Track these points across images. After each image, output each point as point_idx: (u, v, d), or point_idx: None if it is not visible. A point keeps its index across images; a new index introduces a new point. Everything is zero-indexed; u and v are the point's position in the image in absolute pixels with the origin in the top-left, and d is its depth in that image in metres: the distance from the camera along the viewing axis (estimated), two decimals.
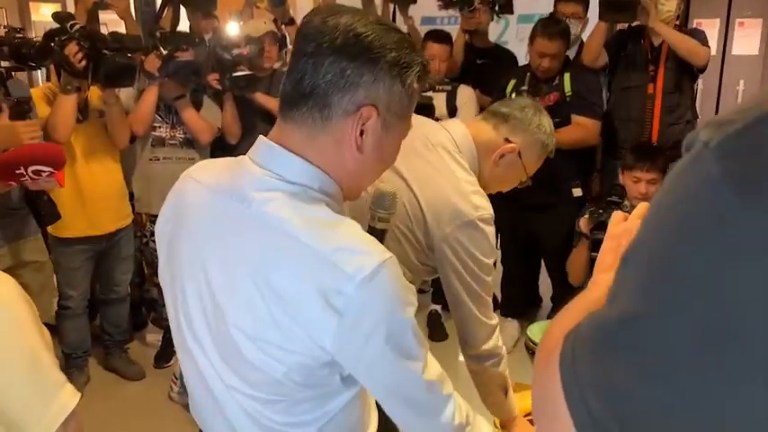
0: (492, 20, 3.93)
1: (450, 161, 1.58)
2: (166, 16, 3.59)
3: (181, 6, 3.72)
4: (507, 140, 1.66)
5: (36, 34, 5.94)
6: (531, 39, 3.40)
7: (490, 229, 1.57)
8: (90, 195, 2.99)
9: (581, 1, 3.65)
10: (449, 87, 3.56)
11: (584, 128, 3.35)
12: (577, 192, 3.44)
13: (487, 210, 1.56)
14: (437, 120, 3.39)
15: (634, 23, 3.53)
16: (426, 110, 3.36)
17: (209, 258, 1.04)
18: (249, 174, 1.02)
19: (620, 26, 3.79)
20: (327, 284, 0.92)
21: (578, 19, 3.60)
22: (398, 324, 0.97)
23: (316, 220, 0.97)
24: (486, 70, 3.84)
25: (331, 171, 1.01)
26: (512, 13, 4.02)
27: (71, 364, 3.14)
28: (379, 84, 0.97)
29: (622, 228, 0.85)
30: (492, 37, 4.23)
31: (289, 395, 1.02)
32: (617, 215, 0.87)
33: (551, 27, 3.35)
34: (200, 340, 1.09)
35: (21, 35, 2.48)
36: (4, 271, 1.23)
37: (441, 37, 3.62)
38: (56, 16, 2.87)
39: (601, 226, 2.87)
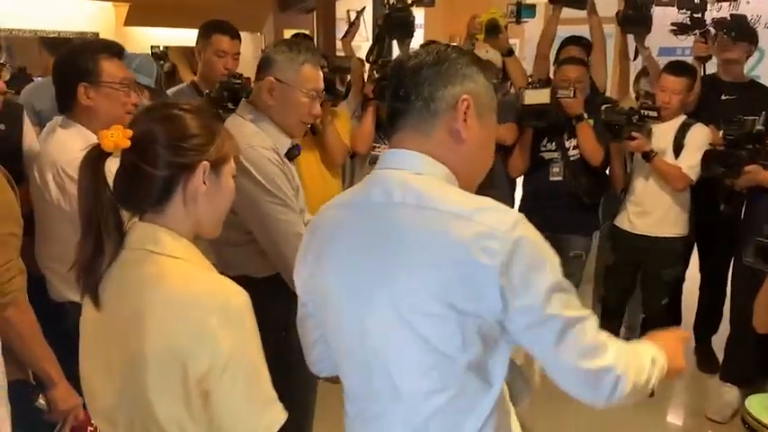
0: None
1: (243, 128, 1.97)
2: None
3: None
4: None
5: None
6: None
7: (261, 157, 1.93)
8: (308, 206, 3.21)
9: None
10: (655, 115, 3.25)
11: None
12: None
13: (258, 143, 1.94)
14: (651, 152, 3.21)
15: None
16: (616, 131, 3.22)
17: (363, 262, 1.15)
18: (382, 177, 1.19)
19: None
20: (475, 238, 1.05)
21: None
22: (550, 268, 1.07)
23: (448, 192, 1.13)
24: (731, 107, 3.46)
25: (448, 161, 1.17)
26: (750, 41, 3.56)
27: None
28: (468, 78, 1.17)
29: None
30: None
31: (454, 379, 1.12)
32: None
33: None
34: (373, 355, 1.17)
35: (239, 81, 2.77)
36: None
37: (678, 69, 3.35)
38: None
39: None
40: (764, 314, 2.65)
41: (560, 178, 3.50)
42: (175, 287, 1.16)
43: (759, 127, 3.01)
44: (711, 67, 3.74)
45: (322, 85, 2.08)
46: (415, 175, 1.15)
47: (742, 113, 3.16)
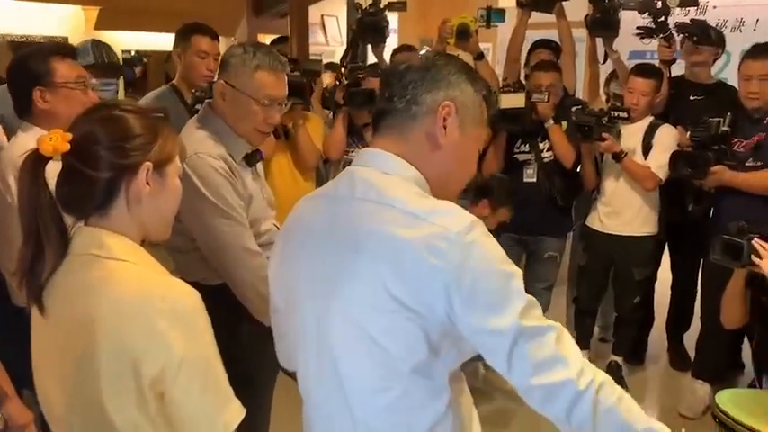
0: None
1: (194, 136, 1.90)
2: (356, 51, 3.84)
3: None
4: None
5: None
6: (740, 65, 3.11)
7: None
8: (278, 211, 3.21)
9: None
10: (625, 116, 3.30)
11: None
12: None
13: (204, 150, 1.85)
14: (621, 152, 3.23)
15: None
16: (586, 132, 3.25)
17: (321, 254, 1.17)
18: (351, 173, 1.21)
19: None
20: (425, 237, 1.05)
21: None
22: (503, 275, 1.07)
23: (409, 193, 1.13)
24: (699, 108, 3.52)
25: (421, 166, 1.18)
26: (717, 45, 3.63)
27: None
28: (454, 86, 1.18)
29: None
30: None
31: (398, 380, 1.12)
32: None
33: (760, 47, 3.06)
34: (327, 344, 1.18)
35: None
36: None
37: (645, 71, 3.41)
38: None
39: None
40: (731, 310, 2.70)
41: (534, 180, 3.52)
42: (124, 290, 1.13)
43: (724, 128, 3.07)
44: (680, 69, 3.80)
45: (282, 93, 1.95)
46: (381, 174, 1.16)
47: (709, 114, 3.23)
